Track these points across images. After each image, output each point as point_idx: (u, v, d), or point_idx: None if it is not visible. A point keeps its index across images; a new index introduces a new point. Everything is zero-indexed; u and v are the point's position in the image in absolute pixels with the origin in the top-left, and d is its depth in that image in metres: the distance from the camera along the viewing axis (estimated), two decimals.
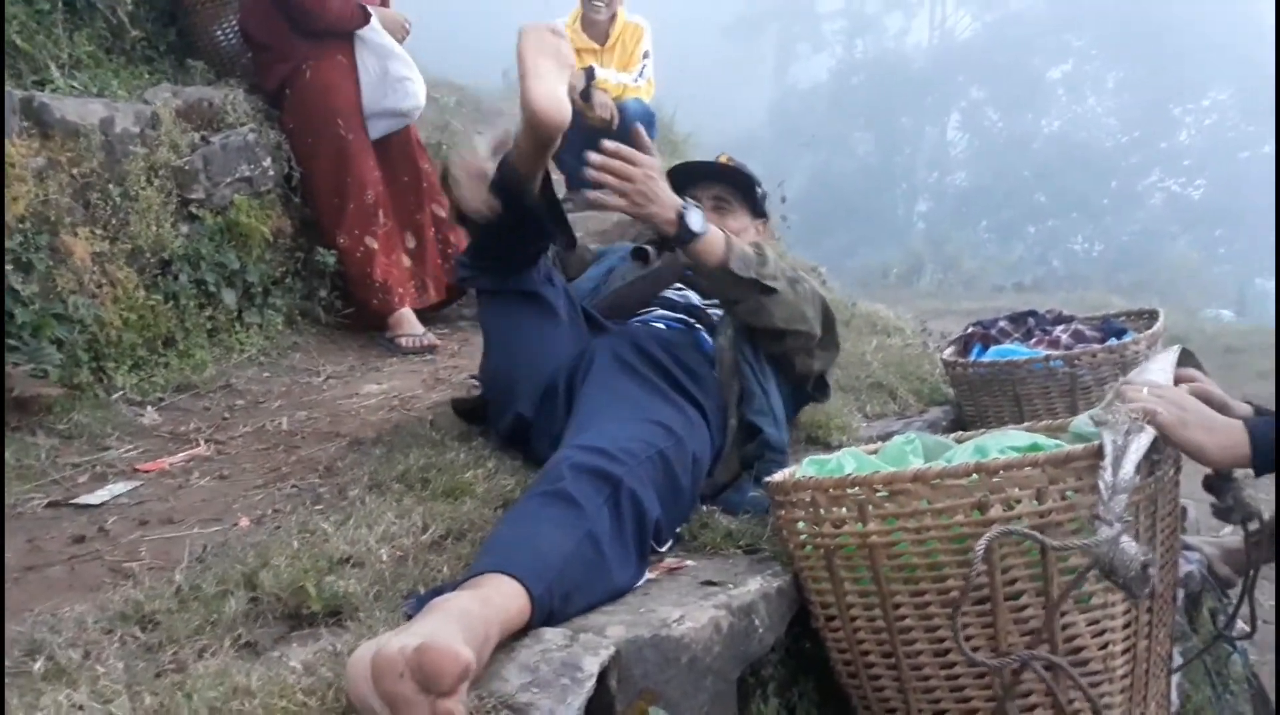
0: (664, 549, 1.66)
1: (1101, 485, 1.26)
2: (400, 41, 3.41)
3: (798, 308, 2.00)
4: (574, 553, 1.36)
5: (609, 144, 1.89)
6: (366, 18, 3.25)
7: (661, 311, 2.25)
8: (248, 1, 3.26)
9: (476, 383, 2.40)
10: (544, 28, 1.90)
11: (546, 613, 1.29)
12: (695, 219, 1.88)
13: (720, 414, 1.96)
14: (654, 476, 1.56)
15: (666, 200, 1.87)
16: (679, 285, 2.33)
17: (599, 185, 1.86)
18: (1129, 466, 1.28)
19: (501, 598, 1.24)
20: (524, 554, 1.32)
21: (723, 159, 2.35)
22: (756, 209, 2.37)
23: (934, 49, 30.04)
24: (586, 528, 1.40)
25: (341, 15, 3.21)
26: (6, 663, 1.25)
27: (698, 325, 2.20)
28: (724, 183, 2.33)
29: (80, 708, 1.08)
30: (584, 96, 4.71)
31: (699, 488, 1.81)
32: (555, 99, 1.80)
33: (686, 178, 2.29)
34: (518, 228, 1.94)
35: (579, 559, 1.37)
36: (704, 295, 2.28)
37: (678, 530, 1.73)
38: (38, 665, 1.21)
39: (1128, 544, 1.22)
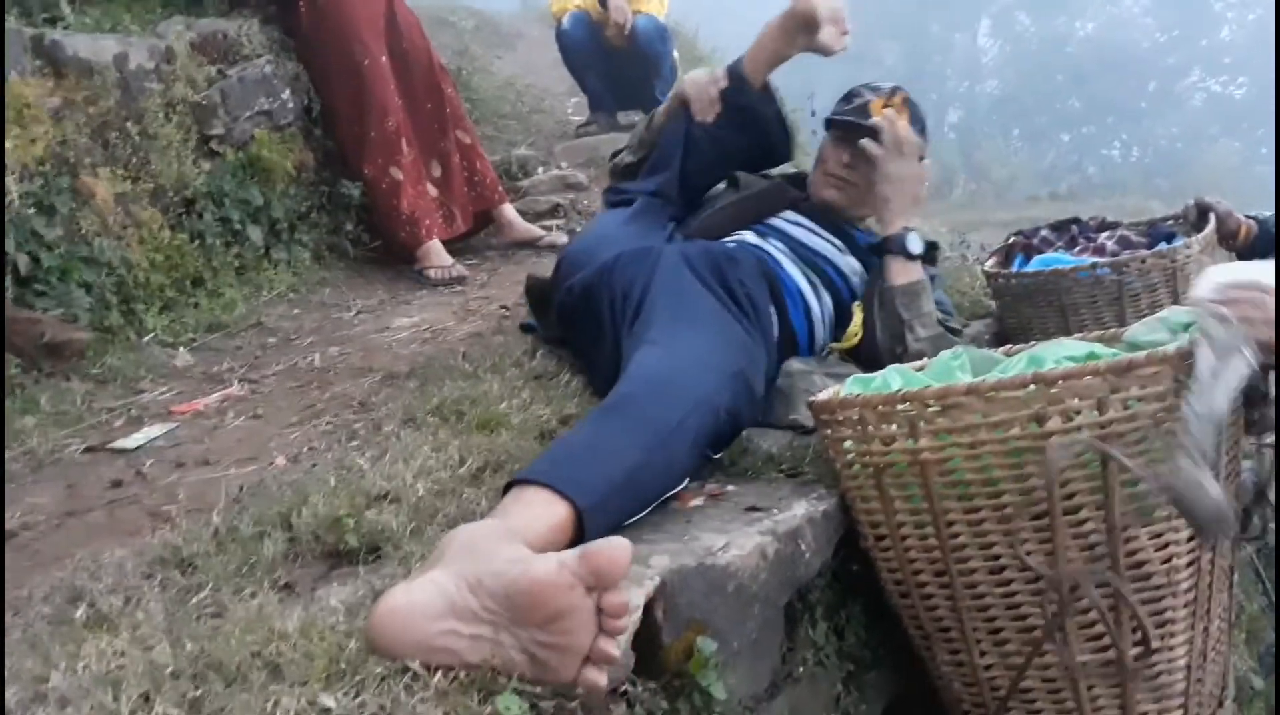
0: (717, 456, 1.66)
1: (1189, 411, 1.19)
2: None
3: (929, 348, 2.00)
4: (641, 466, 1.34)
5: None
6: None
7: (749, 236, 2.18)
8: None
9: (508, 313, 2.40)
10: None
11: (596, 530, 1.24)
12: (915, 241, 2.07)
13: (773, 345, 1.92)
14: (735, 393, 1.56)
15: (911, 208, 2.10)
16: (788, 216, 2.25)
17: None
18: (1223, 392, 1.20)
19: (545, 514, 1.21)
20: (579, 465, 1.29)
21: (896, 101, 2.24)
22: None
23: None
24: (661, 438, 1.38)
25: None
26: (48, 610, 1.25)
27: (778, 257, 2.12)
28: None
29: (122, 654, 1.07)
30: (601, 2, 4.60)
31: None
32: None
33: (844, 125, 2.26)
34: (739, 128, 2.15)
35: (646, 476, 1.36)
36: (829, 227, 2.25)
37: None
38: (79, 613, 1.21)
39: (1211, 486, 1.13)
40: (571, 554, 1.02)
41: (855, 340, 2.09)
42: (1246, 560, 2.62)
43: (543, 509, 1.21)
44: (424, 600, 1.02)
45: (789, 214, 2.25)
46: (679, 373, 1.48)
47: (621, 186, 2.30)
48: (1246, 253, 2.64)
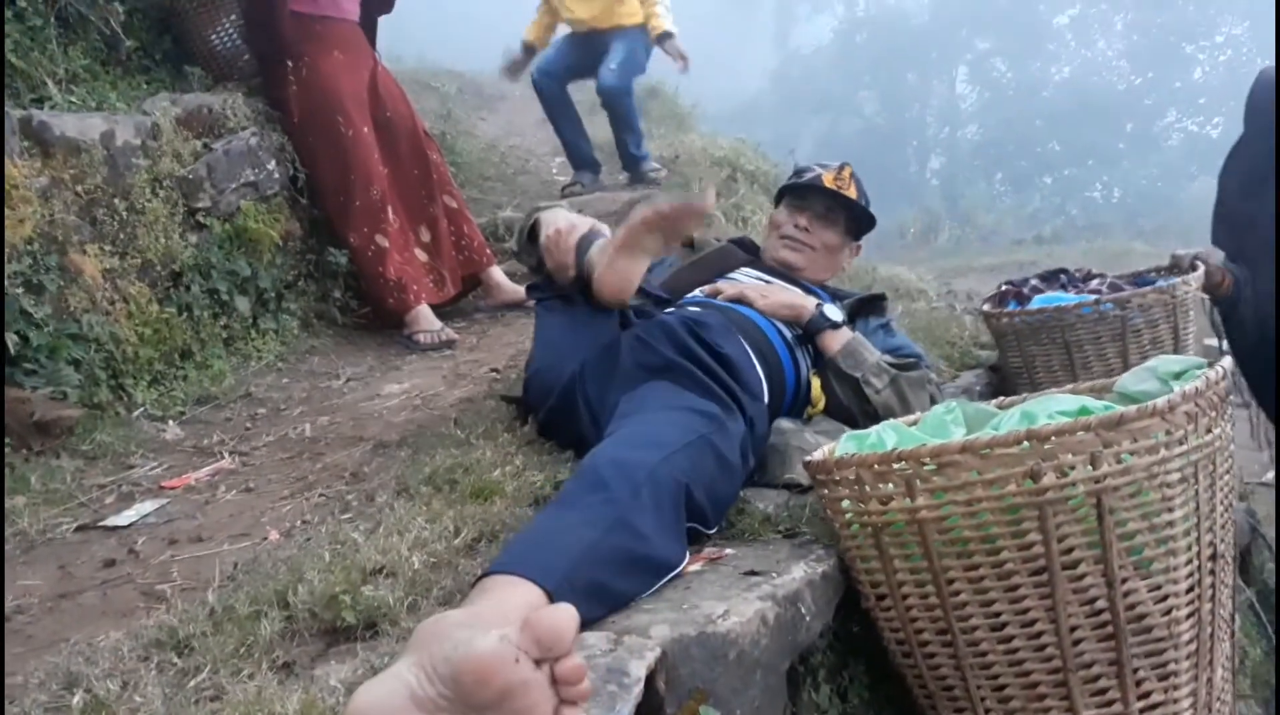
0: (712, 531, 1.62)
1: None
2: None
3: (893, 410, 2.07)
4: (601, 540, 1.28)
5: (720, 286, 2.21)
6: None
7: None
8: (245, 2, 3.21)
9: (498, 376, 2.39)
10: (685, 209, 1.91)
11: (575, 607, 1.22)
12: (832, 310, 2.19)
13: (760, 400, 1.91)
14: (695, 460, 1.51)
15: (799, 301, 2.20)
16: (750, 271, 2.35)
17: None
18: None
19: (513, 597, 1.16)
20: (539, 550, 1.25)
21: (845, 175, 2.41)
22: (857, 232, 2.46)
23: (936, 2, 29.60)
24: (617, 514, 1.32)
25: None
26: (44, 698, 1.23)
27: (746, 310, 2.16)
28: (835, 200, 2.39)
29: None
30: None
31: (746, 470, 1.76)
32: (627, 283, 1.93)
33: (801, 192, 2.42)
34: None
35: (608, 546, 1.29)
36: (788, 281, 2.34)
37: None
38: (76, 699, 1.19)
39: None
40: (513, 626, 0.98)
41: (821, 405, 2.16)
42: (1247, 604, 2.62)
43: (509, 592, 1.17)
44: (385, 695, 0.98)
45: (747, 269, 2.34)
46: (629, 453, 1.44)
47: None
48: (1225, 302, 2.67)
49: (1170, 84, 26.35)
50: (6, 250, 2.24)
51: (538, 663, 0.97)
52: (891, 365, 2.15)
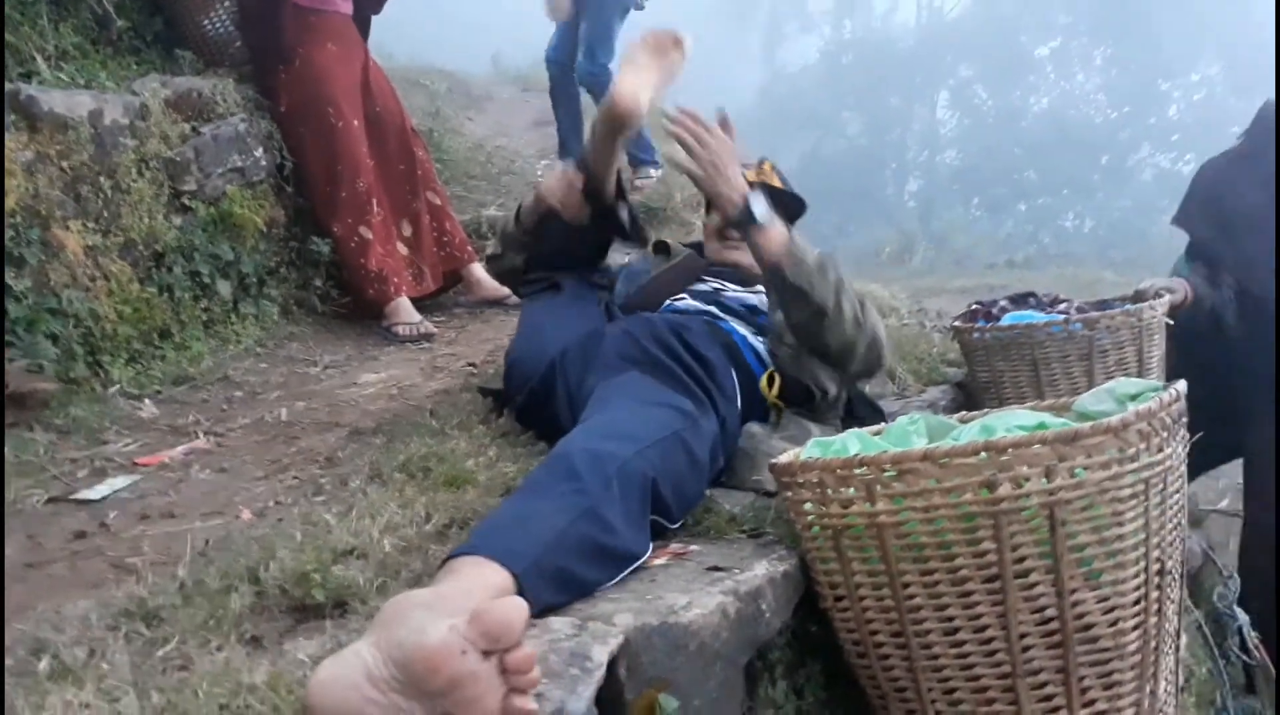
0: (675, 526, 1.65)
1: None
2: None
3: (848, 336, 1.96)
4: (569, 529, 1.31)
5: (687, 107, 1.99)
6: None
7: (688, 300, 2.24)
8: None
9: (475, 370, 2.42)
10: (668, 35, 2.09)
11: (540, 593, 1.24)
12: (759, 206, 1.92)
13: (733, 402, 1.95)
14: (667, 456, 1.54)
15: (735, 181, 1.95)
16: (707, 277, 2.33)
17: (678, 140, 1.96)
18: None
19: (480, 579, 1.19)
20: (508, 534, 1.28)
21: (765, 168, 2.36)
22: (790, 217, 2.30)
23: (922, 28, 29.87)
24: (588, 504, 1.35)
25: None
26: (10, 661, 1.24)
27: (722, 314, 2.18)
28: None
29: (87, 706, 1.07)
30: None
31: (715, 469, 1.80)
32: (636, 95, 1.99)
33: None
34: (596, 230, 2.25)
35: (576, 535, 1.32)
36: (742, 284, 2.29)
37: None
38: (43, 664, 1.20)
39: None
40: (463, 618, 1.01)
41: (777, 385, 2.02)
42: (1195, 625, 2.69)
43: (476, 574, 1.19)
44: (344, 671, 1.01)
45: (708, 276, 2.35)
46: (602, 444, 1.47)
47: (534, 276, 2.33)
48: (1185, 315, 2.75)
49: (1145, 119, 26.73)
50: None
51: (486, 654, 1.00)
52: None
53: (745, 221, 1.93)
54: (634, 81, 2.06)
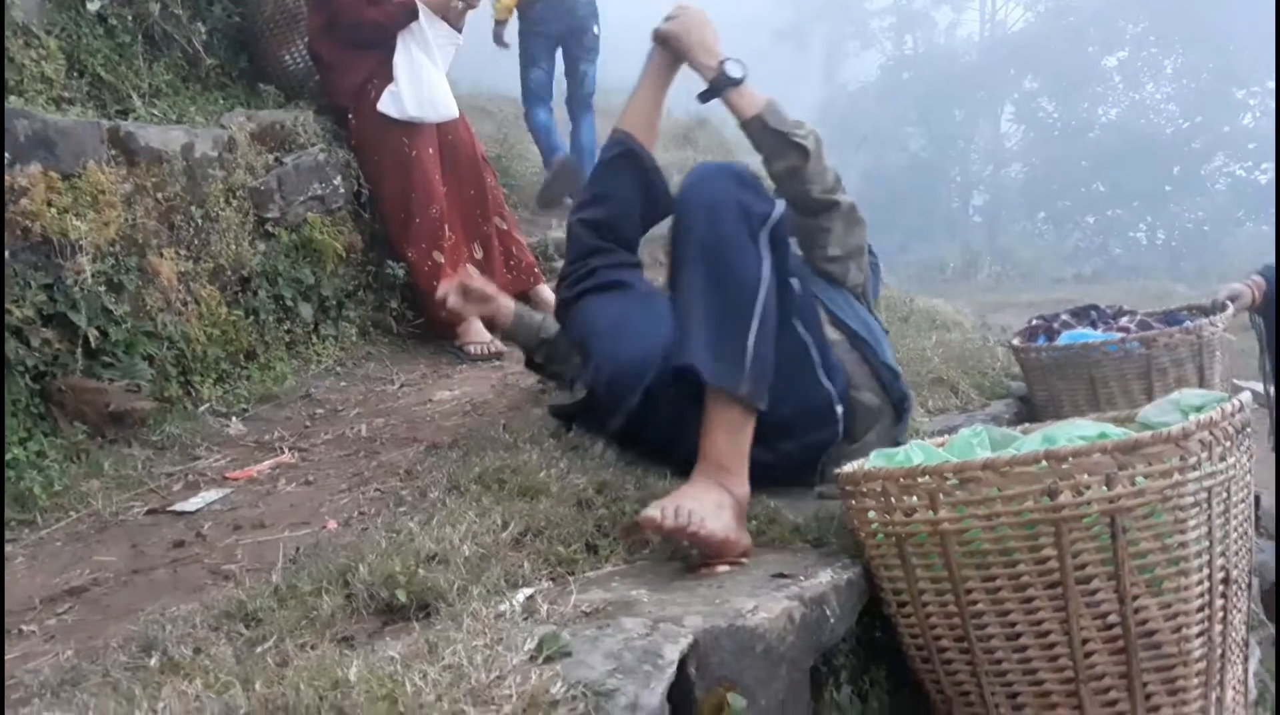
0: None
1: None
2: (459, 17, 3.47)
3: (828, 174, 2.07)
4: None
5: None
6: (411, 15, 3.31)
7: None
8: (313, 25, 3.38)
9: (544, 386, 2.49)
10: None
11: None
12: (735, 68, 2.06)
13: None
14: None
15: (712, 46, 2.10)
16: None
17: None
18: None
19: None
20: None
21: None
22: None
23: (984, 41, 29.59)
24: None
25: (382, 19, 3.29)
26: (124, 658, 1.34)
27: None
28: None
29: (198, 697, 1.16)
30: None
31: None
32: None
33: None
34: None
35: None
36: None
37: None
38: (153, 660, 1.30)
39: None
40: None
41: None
42: (1270, 640, 2.64)
43: None
44: None
45: None
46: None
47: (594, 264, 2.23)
48: (1264, 307, 2.72)
49: (1219, 128, 26.08)
50: (92, 251, 2.39)
51: None
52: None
53: (723, 84, 2.06)
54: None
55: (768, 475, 1.84)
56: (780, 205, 1.73)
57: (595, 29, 5.32)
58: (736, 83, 2.06)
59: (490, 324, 2.44)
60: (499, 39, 5.59)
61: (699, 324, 1.64)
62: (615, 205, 2.22)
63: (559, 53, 5.42)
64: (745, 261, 1.65)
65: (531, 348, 2.37)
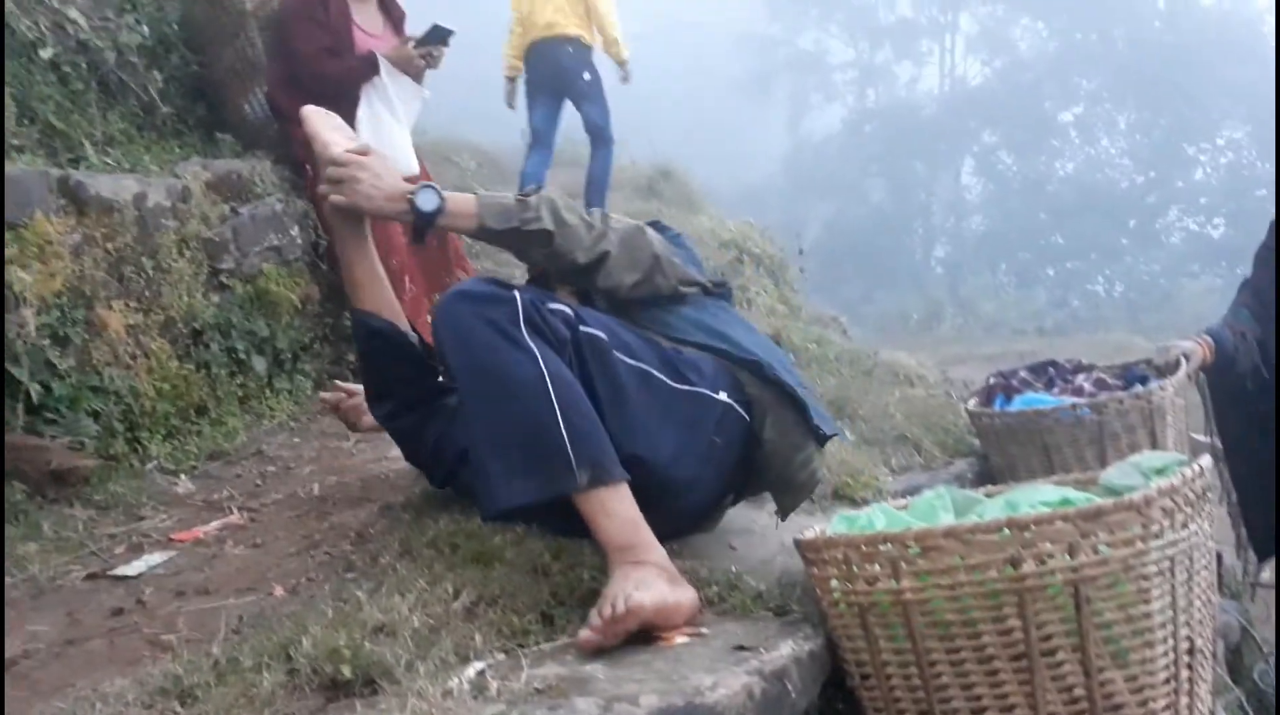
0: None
1: None
2: (420, 74, 3.47)
3: (582, 231, 1.85)
4: None
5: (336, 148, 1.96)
6: (373, 69, 3.32)
7: None
8: (272, 74, 3.35)
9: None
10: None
11: None
12: (426, 199, 1.81)
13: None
14: None
15: (391, 190, 1.85)
16: None
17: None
18: None
19: None
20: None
21: None
22: None
23: (945, 96, 30.24)
24: None
25: (342, 73, 3.28)
26: None
27: None
28: None
29: None
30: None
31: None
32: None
33: None
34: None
35: None
36: None
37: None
38: None
39: None
40: None
41: None
42: (1236, 704, 2.63)
43: None
44: None
45: None
46: None
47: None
48: (1213, 369, 2.74)
49: (1172, 183, 26.77)
50: (36, 303, 2.33)
51: None
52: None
53: (425, 221, 1.82)
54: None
55: (705, 512, 1.92)
56: (516, 294, 1.65)
57: (586, 75, 5.46)
58: (436, 214, 1.81)
59: (353, 426, 2.40)
60: (509, 99, 5.77)
61: (500, 454, 1.61)
62: (399, 390, 2.22)
63: (565, 98, 5.62)
64: (514, 367, 1.60)
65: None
